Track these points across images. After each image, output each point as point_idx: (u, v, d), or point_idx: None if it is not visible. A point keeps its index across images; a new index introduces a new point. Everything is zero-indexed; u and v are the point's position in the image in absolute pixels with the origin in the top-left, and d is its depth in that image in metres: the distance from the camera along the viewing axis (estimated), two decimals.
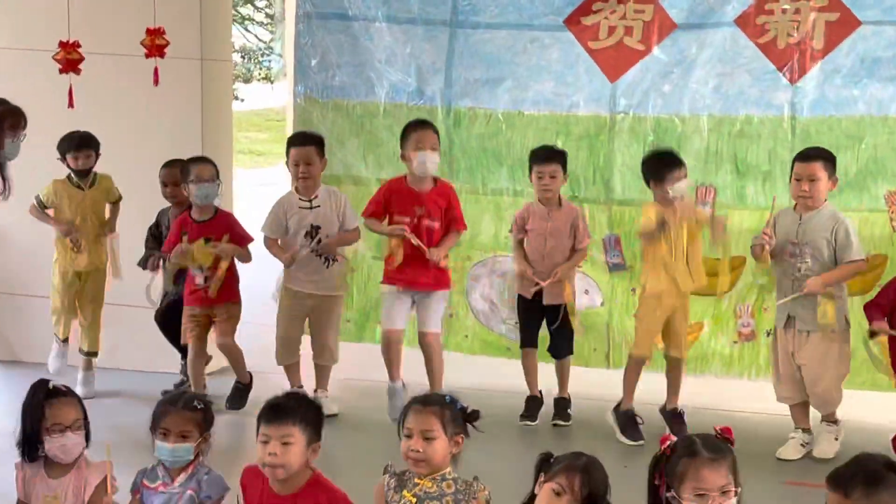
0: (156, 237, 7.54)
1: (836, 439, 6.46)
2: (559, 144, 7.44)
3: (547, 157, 6.98)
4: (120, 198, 7.72)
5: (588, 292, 7.50)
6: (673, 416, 6.73)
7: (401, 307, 6.96)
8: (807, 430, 6.55)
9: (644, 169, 6.81)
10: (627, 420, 6.71)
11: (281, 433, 3.96)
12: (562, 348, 7.09)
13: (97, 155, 7.57)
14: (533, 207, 7.04)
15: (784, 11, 7.05)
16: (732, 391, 7.34)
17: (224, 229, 7.12)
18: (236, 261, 7.19)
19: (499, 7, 7.59)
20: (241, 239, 7.18)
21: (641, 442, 6.62)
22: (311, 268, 7.15)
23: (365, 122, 7.82)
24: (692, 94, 7.25)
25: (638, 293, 7.05)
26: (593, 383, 7.34)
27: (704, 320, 7.28)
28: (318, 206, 7.11)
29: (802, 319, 6.42)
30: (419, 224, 6.86)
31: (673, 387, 6.83)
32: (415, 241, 6.79)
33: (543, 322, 7.07)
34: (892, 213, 6.85)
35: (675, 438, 3.65)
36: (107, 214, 7.73)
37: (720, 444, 3.59)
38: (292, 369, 7.30)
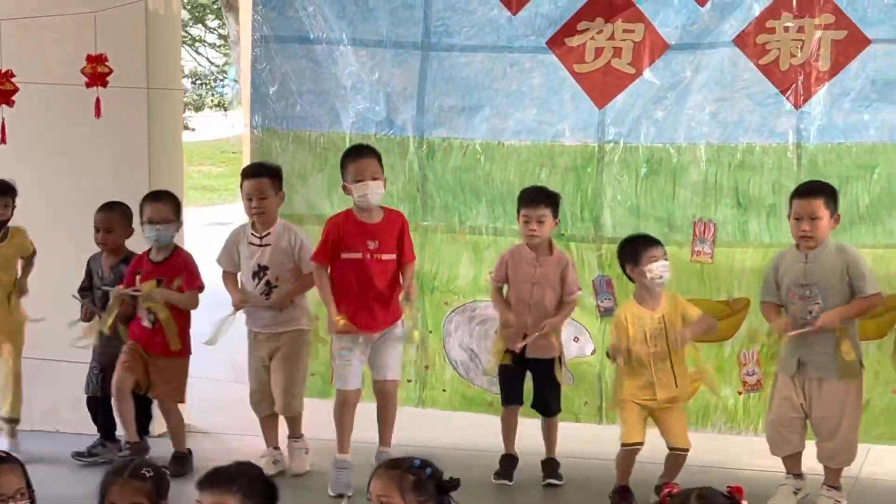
0: (85, 289, 7.53)
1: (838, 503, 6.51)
2: (543, 177, 7.47)
3: (535, 199, 6.98)
4: (34, 253, 7.69)
5: (577, 340, 7.49)
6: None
7: (357, 361, 6.92)
8: (798, 476, 6.61)
9: (619, 256, 6.85)
10: (620, 498, 6.67)
11: (215, 501, 3.96)
12: (550, 405, 7.06)
13: (13, 204, 7.55)
14: (520, 251, 7.05)
15: (787, 30, 7.08)
16: (738, 446, 7.34)
17: (178, 271, 7.17)
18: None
19: (475, 28, 7.61)
20: (190, 282, 7.21)
21: None
22: (261, 313, 7.19)
23: (329, 156, 7.79)
24: (688, 120, 7.27)
25: (599, 355, 7.06)
26: (584, 440, 7.32)
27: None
28: (269, 245, 7.11)
29: (816, 365, 6.43)
30: (373, 259, 6.83)
31: (670, 472, 6.68)
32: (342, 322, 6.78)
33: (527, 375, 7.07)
34: None
35: (676, 490, 3.69)
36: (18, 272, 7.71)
37: (720, 500, 3.61)
38: (269, 424, 7.30)
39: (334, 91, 7.84)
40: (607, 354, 6.80)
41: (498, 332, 7.13)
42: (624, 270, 6.80)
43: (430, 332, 7.76)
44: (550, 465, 7.00)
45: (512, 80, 7.59)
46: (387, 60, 7.76)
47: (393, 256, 6.91)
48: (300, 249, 7.13)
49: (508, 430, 7.08)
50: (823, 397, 6.45)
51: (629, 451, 6.66)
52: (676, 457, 6.69)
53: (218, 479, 4.03)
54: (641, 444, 6.66)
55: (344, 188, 6.95)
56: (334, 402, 6.99)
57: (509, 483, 6.96)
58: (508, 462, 7.04)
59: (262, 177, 7.18)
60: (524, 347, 6.93)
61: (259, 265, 7.14)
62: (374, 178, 6.84)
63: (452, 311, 7.74)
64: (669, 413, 6.64)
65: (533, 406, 7.10)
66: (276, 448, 7.30)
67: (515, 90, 7.59)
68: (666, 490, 3.69)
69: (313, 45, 7.85)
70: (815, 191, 6.51)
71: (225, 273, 7.25)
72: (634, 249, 6.69)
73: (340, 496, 6.67)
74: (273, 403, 7.26)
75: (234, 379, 8.15)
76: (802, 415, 6.52)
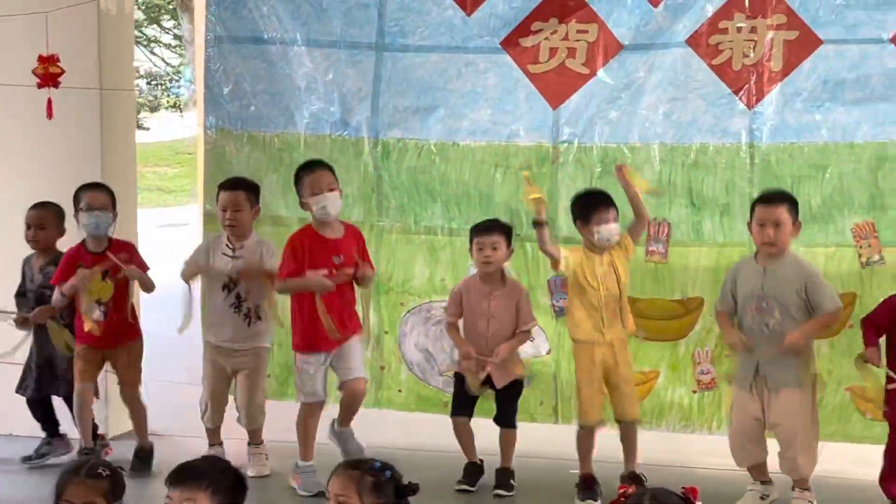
0: (21, 294, 7.48)
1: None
2: (497, 177, 7.48)
3: (488, 226, 6.97)
4: None
5: (533, 339, 7.50)
6: (634, 481, 6.75)
7: (320, 374, 6.90)
8: (766, 482, 6.62)
9: (571, 210, 6.89)
10: (584, 483, 6.73)
11: (185, 497, 3.97)
12: (509, 417, 7.04)
13: None
14: (472, 284, 7.03)
15: (739, 30, 7.12)
16: (693, 445, 7.38)
17: (123, 255, 7.18)
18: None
19: (429, 28, 7.61)
20: (141, 265, 7.24)
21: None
22: (230, 325, 7.18)
23: (284, 156, 7.78)
24: (642, 121, 7.30)
25: (568, 349, 7.09)
26: (541, 440, 7.33)
27: (660, 368, 7.30)
28: (241, 258, 7.11)
29: (773, 377, 6.43)
30: (339, 275, 6.83)
31: (630, 451, 6.83)
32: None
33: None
34: (861, 247, 6.93)
35: (631, 491, 3.70)
36: None
37: (672, 500, 3.62)
38: (213, 432, 7.35)
39: (288, 91, 7.81)
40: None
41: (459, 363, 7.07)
42: (575, 223, 6.84)
43: (386, 332, 7.76)
44: (503, 475, 6.93)
45: (466, 80, 7.59)
46: (341, 61, 7.74)
47: (353, 271, 6.92)
48: (269, 259, 7.11)
49: (465, 440, 7.04)
50: (780, 405, 6.43)
51: (588, 433, 6.71)
52: (628, 429, 6.77)
53: (187, 474, 4.05)
54: (602, 422, 6.73)
55: (302, 204, 6.92)
56: (298, 413, 6.96)
57: (472, 489, 6.92)
58: (472, 469, 7.00)
59: (239, 189, 7.19)
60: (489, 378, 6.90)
61: (231, 278, 7.13)
62: (331, 190, 6.83)
63: (408, 311, 7.73)
64: (617, 374, 6.73)
65: (494, 420, 7.05)
66: (220, 444, 7.36)
67: (470, 90, 7.59)
68: (621, 490, 3.69)
69: (267, 46, 7.82)
70: (779, 198, 6.53)
71: (189, 264, 7.27)
72: (586, 208, 6.75)
73: (320, 494, 6.62)
74: (221, 417, 7.31)
75: (189, 382, 8.10)
76: (761, 424, 6.52)
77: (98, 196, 7.19)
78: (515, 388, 7.01)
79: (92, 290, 7.07)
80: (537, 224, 6.71)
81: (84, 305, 7.04)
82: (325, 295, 6.78)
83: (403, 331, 7.74)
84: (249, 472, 7.21)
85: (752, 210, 6.57)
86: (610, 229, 6.70)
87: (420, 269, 7.67)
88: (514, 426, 7.01)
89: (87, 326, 7.00)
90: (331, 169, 6.96)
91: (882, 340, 6.43)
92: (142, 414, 7.33)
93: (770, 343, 6.39)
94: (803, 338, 6.37)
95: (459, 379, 7.03)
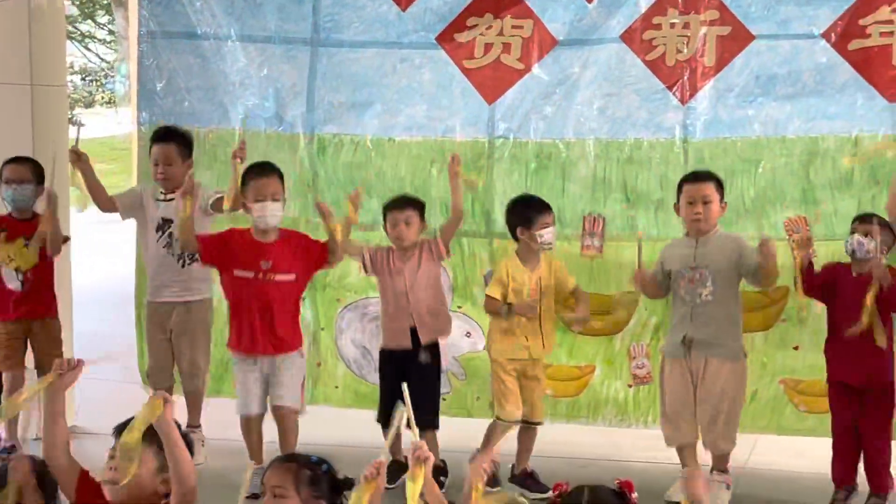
0: None
1: (728, 488, 6.60)
2: (434, 173, 7.46)
3: (401, 202, 6.95)
4: None
5: (469, 335, 7.50)
6: (526, 479, 6.80)
7: (256, 385, 6.76)
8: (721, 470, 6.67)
9: (510, 214, 6.89)
10: (526, 479, 6.76)
11: None
12: (424, 417, 6.94)
13: None
14: (388, 249, 7.02)
15: (673, 26, 7.15)
16: (629, 439, 7.40)
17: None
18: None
19: (364, 23, 7.58)
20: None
21: (549, 494, 6.66)
22: (166, 271, 7.14)
23: (218, 152, 7.71)
24: (577, 116, 7.31)
25: (483, 356, 7.10)
26: (478, 437, 7.31)
27: (595, 363, 7.32)
28: (173, 200, 7.05)
29: (701, 343, 6.53)
30: (266, 280, 6.70)
31: (526, 450, 6.87)
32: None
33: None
34: (793, 241, 6.97)
35: (566, 487, 3.69)
36: None
37: (609, 499, 3.62)
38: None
39: (223, 87, 7.76)
40: (500, 311, 6.78)
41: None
42: (512, 230, 6.83)
43: (323, 329, 7.73)
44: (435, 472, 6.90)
45: (402, 75, 7.58)
46: (276, 56, 7.70)
47: (291, 277, 6.78)
48: (205, 200, 7.08)
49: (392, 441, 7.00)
50: (708, 379, 6.53)
51: (505, 427, 6.77)
52: (530, 430, 6.83)
53: None
54: (518, 419, 6.76)
55: (243, 205, 6.80)
56: (240, 423, 6.86)
57: (391, 486, 6.84)
58: (394, 467, 6.93)
59: (171, 142, 7.17)
60: (412, 353, 6.87)
61: (163, 218, 7.14)
62: (275, 199, 6.71)
63: (345, 307, 7.70)
64: (535, 384, 6.79)
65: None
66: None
67: (406, 86, 7.58)
68: (556, 491, 3.68)
69: (201, 41, 7.77)
70: (706, 176, 6.66)
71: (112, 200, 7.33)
72: (528, 213, 6.77)
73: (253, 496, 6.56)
74: (170, 378, 7.25)
75: (124, 379, 8.04)
76: (693, 400, 6.59)
77: (17, 169, 7.16)
78: (431, 380, 6.94)
79: (12, 257, 6.99)
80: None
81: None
82: (246, 304, 6.68)
83: (340, 327, 7.71)
84: None
85: (680, 189, 6.66)
86: (551, 233, 6.75)
87: (356, 265, 7.61)
88: (429, 428, 6.72)
89: None
90: (280, 176, 6.83)
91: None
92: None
93: (702, 312, 6.51)
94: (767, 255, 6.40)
95: (385, 385, 6.98)
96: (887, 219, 6.43)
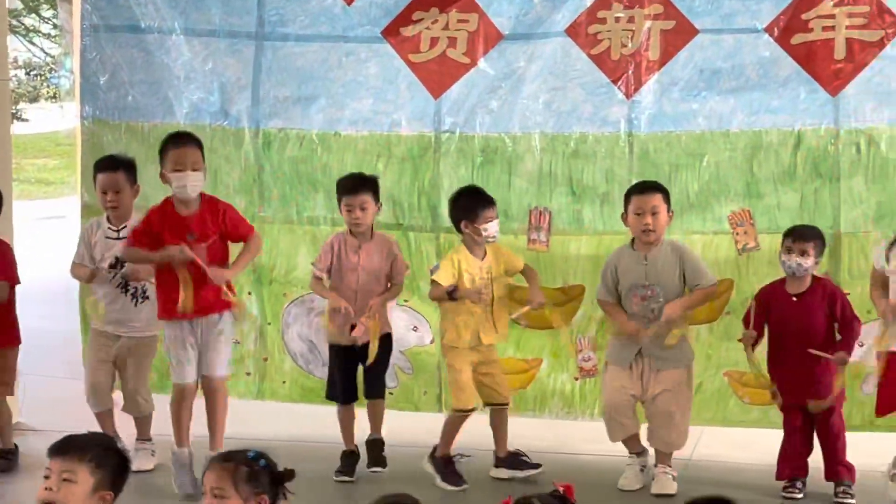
0: None
1: (674, 479, 6.64)
2: (380, 167, 7.43)
3: (355, 186, 6.89)
4: None
5: (417, 329, 7.48)
6: (515, 460, 6.78)
7: (190, 351, 6.65)
8: (641, 454, 6.75)
9: (454, 208, 6.88)
10: (446, 466, 6.75)
11: (65, 468, 3.90)
12: (373, 387, 6.98)
13: None
14: (344, 239, 6.96)
15: (617, 20, 7.16)
16: (575, 431, 7.41)
17: None
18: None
19: (309, 17, 7.53)
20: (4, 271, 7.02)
21: (464, 486, 6.70)
22: (119, 309, 7.02)
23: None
24: (522, 110, 7.30)
25: (437, 345, 7.08)
26: (426, 430, 7.29)
27: (542, 356, 7.32)
28: (125, 238, 6.94)
29: (657, 357, 6.60)
30: (195, 250, 6.53)
31: (502, 433, 6.87)
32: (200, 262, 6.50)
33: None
34: (738, 234, 7.01)
35: (510, 502, 3.68)
36: None
37: None
38: (104, 417, 7.13)
39: (167, 81, 7.68)
40: (445, 295, 6.75)
41: (326, 318, 6.97)
42: (456, 224, 6.83)
43: (269, 323, 7.68)
44: (374, 447, 6.90)
45: (348, 70, 7.53)
46: (220, 50, 7.64)
47: (212, 243, 6.62)
48: None
49: (345, 427, 6.99)
50: (659, 385, 6.59)
51: (461, 417, 6.76)
52: (501, 413, 6.82)
53: (70, 446, 3.98)
54: (475, 409, 6.76)
55: (161, 176, 6.65)
56: (171, 396, 6.76)
57: (351, 479, 6.85)
58: (349, 459, 6.94)
59: (118, 170, 7.06)
60: (356, 340, 6.85)
61: (116, 257, 6.99)
62: (195, 169, 6.55)
63: (291, 302, 7.66)
64: (494, 368, 6.81)
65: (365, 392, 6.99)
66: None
67: (351, 80, 7.54)
68: None
69: (144, 35, 7.69)
70: (654, 186, 6.70)
71: (74, 266, 7.12)
72: (473, 208, 6.76)
73: (189, 498, 6.51)
74: (110, 399, 7.15)
75: (68, 375, 7.96)
76: (634, 399, 6.66)
77: None
78: (383, 359, 6.95)
79: None
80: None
81: None
82: (187, 269, 6.53)
83: (286, 322, 7.67)
84: (133, 467, 7.12)
85: (627, 200, 6.68)
86: (495, 226, 6.75)
87: (303, 259, 7.58)
88: (382, 396, 6.98)
89: None
90: (199, 145, 6.70)
91: None
92: (7, 420, 7.16)
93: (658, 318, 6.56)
94: (681, 309, 6.55)
95: (338, 370, 6.95)
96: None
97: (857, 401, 6.87)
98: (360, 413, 7.02)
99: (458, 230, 6.85)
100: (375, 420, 6.99)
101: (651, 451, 6.78)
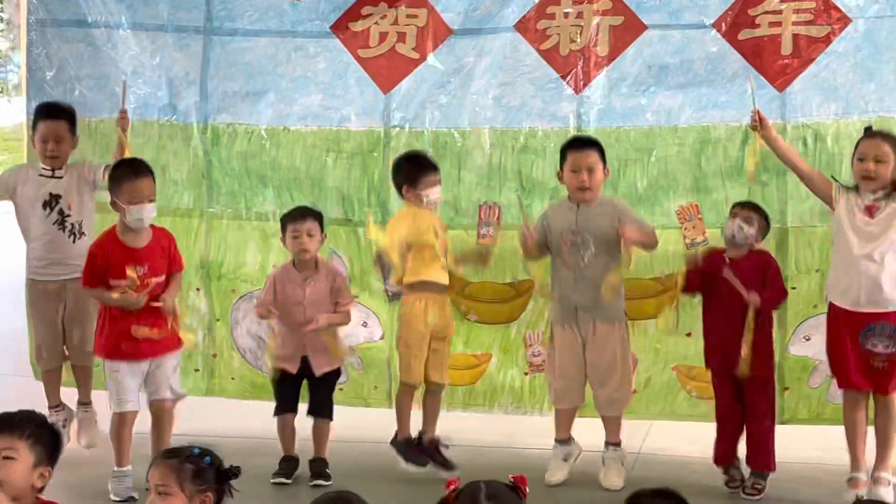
0: None
1: (622, 464, 6.67)
2: (329, 162, 7.40)
3: (302, 213, 6.84)
4: None
5: (366, 325, 7.45)
6: (435, 453, 6.76)
7: (135, 382, 6.52)
8: (565, 442, 6.76)
9: (396, 173, 6.86)
10: (408, 446, 6.73)
11: (5, 446, 3.98)
12: (323, 408, 6.91)
13: None
14: (287, 272, 6.87)
15: (566, 15, 7.16)
16: (525, 427, 7.41)
17: None
18: None
19: (258, 12, 7.49)
20: None
21: (428, 465, 6.71)
22: (57, 248, 6.98)
23: (111, 142, 7.52)
24: (472, 105, 7.29)
25: (397, 311, 7.04)
26: (376, 426, 7.27)
27: (492, 351, 7.31)
28: (61, 178, 6.96)
29: (587, 307, 6.62)
30: (142, 285, 6.42)
31: (432, 415, 6.85)
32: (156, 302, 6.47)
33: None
34: (686, 229, 7.03)
35: (458, 483, 3.67)
36: None
37: (508, 496, 3.60)
38: (52, 375, 7.10)
39: (114, 76, 7.60)
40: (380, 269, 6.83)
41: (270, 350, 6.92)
42: (398, 188, 6.81)
43: (218, 320, 7.63)
44: (318, 465, 6.80)
45: (296, 64, 7.50)
46: (168, 45, 7.59)
47: (163, 279, 6.57)
48: (93, 174, 7.03)
49: (285, 437, 6.90)
50: (597, 342, 6.62)
51: (408, 390, 6.75)
52: (435, 396, 6.82)
53: (6, 423, 4.04)
54: (420, 383, 6.75)
55: (113, 204, 6.50)
56: (111, 420, 6.61)
57: (288, 482, 6.77)
58: (289, 463, 6.86)
59: (60, 119, 7.05)
60: (308, 367, 6.80)
61: (51, 194, 6.97)
62: (150, 201, 6.46)
63: (240, 298, 7.60)
64: (444, 346, 6.80)
65: (309, 410, 6.92)
66: (60, 406, 7.19)
67: (300, 75, 7.50)
68: (451, 487, 3.65)
69: (91, 29, 7.61)
70: (590, 143, 6.72)
71: None
72: (414, 171, 6.75)
73: (129, 499, 6.45)
74: (60, 356, 7.12)
75: (15, 372, 7.89)
76: (583, 363, 6.65)
77: None
78: (332, 377, 6.92)
79: None
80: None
81: None
82: (130, 311, 6.44)
83: (235, 318, 7.62)
84: (81, 441, 7.15)
85: (563, 156, 6.69)
86: (437, 192, 6.74)
87: (252, 255, 7.54)
88: (330, 417, 6.88)
89: None
90: (153, 175, 6.60)
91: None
92: None
93: (585, 276, 6.58)
94: (635, 233, 6.54)
95: (280, 379, 6.89)
96: None
97: (804, 394, 6.92)
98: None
99: (401, 195, 6.81)
100: (319, 441, 6.89)
101: (579, 443, 6.79)
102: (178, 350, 6.70)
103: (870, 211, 6.23)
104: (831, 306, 6.37)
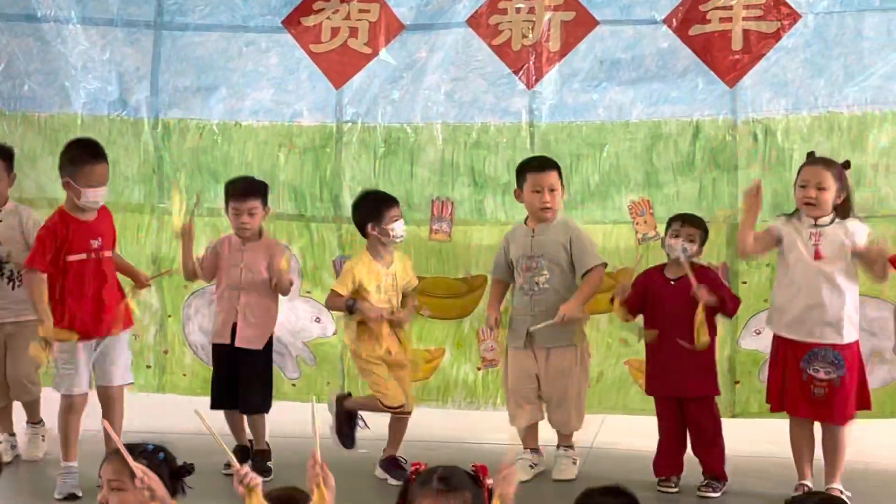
0: None
1: (575, 463, 6.73)
2: (281, 158, 7.37)
3: (244, 192, 6.82)
4: None
5: (319, 320, 7.42)
6: (391, 465, 6.75)
7: (85, 365, 6.54)
8: (535, 451, 6.80)
9: (357, 212, 6.82)
10: (392, 465, 6.74)
11: None
12: (251, 402, 6.89)
13: None
14: (229, 238, 6.88)
15: (518, 11, 7.16)
16: (478, 421, 7.41)
17: None
18: None
19: (209, 6, 7.45)
20: None
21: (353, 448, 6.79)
22: None
23: (60, 137, 7.44)
24: (424, 100, 7.27)
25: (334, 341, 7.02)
26: (328, 421, 7.25)
27: (445, 346, 7.31)
28: (1, 220, 6.86)
29: (543, 336, 6.64)
30: (98, 258, 6.51)
31: (396, 439, 6.83)
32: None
33: None
34: (637, 224, 7.04)
35: (423, 466, 3.68)
36: None
37: (462, 479, 3.61)
38: (2, 413, 7.07)
39: (64, 71, 7.54)
40: (344, 307, 6.71)
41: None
42: (362, 228, 6.77)
43: (170, 316, 7.58)
44: (257, 459, 6.78)
45: (248, 59, 7.46)
46: (118, 39, 7.53)
47: (111, 254, 6.66)
48: (31, 226, 6.86)
49: (234, 428, 6.90)
50: (551, 366, 6.66)
51: (398, 415, 6.73)
52: (401, 420, 6.78)
53: None
54: (408, 404, 6.73)
55: (67, 185, 6.49)
56: (59, 408, 6.58)
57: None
58: (240, 454, 6.83)
59: None
60: (233, 338, 6.78)
61: None
62: (105, 184, 6.54)
63: (192, 294, 7.56)
64: (402, 373, 6.76)
65: (241, 409, 6.90)
66: (12, 434, 7.13)
67: (252, 70, 7.47)
68: (413, 468, 3.67)
69: (41, 24, 7.54)
70: (551, 163, 6.74)
71: None
72: (377, 208, 6.72)
73: (71, 496, 6.39)
74: (6, 393, 7.03)
75: None
76: (537, 384, 6.69)
77: None
78: (263, 371, 6.89)
79: None
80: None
81: None
82: (80, 287, 6.46)
83: (187, 314, 7.57)
84: (23, 455, 7.09)
85: (522, 177, 6.71)
86: (401, 226, 6.72)
87: (203, 251, 7.47)
88: (260, 411, 6.89)
89: None
90: (107, 159, 6.63)
91: None
92: None
93: (540, 301, 6.62)
94: (577, 307, 6.58)
95: (216, 374, 6.89)
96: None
97: (755, 388, 6.93)
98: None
99: (364, 234, 6.78)
100: (257, 435, 6.91)
101: (544, 453, 6.83)
102: (130, 329, 6.74)
103: (814, 238, 6.22)
104: (775, 337, 6.34)
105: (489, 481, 3.68)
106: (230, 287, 6.81)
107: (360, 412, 6.89)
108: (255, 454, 6.84)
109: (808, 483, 6.23)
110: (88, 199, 6.46)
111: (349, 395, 6.96)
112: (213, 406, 6.82)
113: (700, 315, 6.31)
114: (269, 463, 6.80)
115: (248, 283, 6.79)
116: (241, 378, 6.83)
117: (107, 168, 6.57)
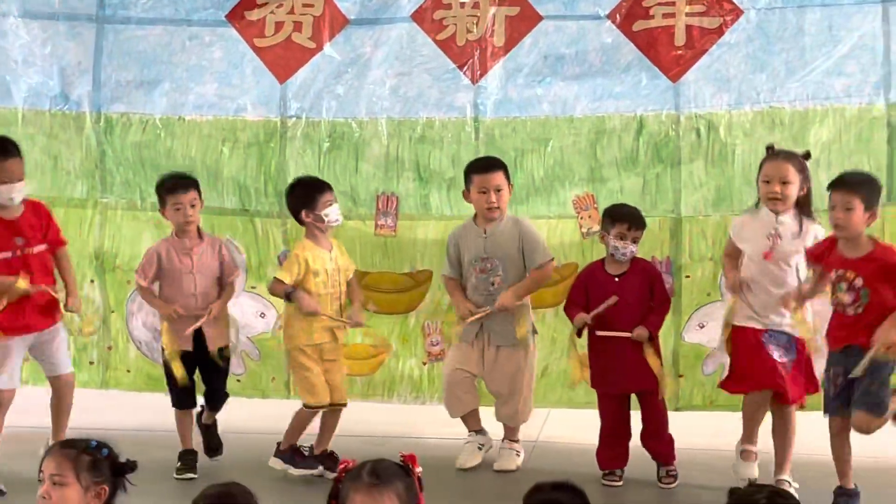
0: None
1: (518, 455, 6.76)
2: (226, 152, 7.32)
3: (185, 185, 6.72)
4: None
5: (264, 315, 7.38)
6: (326, 459, 6.67)
7: (17, 361, 6.51)
8: (480, 432, 6.84)
9: (290, 200, 6.76)
10: (295, 455, 6.66)
11: None
12: (221, 398, 6.89)
13: None
14: (170, 245, 6.75)
15: (463, 6, 7.15)
16: (424, 416, 7.40)
17: None
18: None
19: (151, 0, 7.38)
20: None
21: (320, 469, 6.63)
22: None
23: (2, 132, 7.39)
24: (369, 95, 7.25)
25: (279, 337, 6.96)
26: (273, 416, 7.20)
27: (391, 341, 7.29)
28: None
29: (494, 334, 6.67)
30: (25, 257, 6.43)
31: (329, 431, 6.73)
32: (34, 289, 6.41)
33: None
34: (582, 219, 7.06)
35: (351, 464, 3.67)
36: None
37: (392, 470, 3.60)
38: None
39: (5, 65, 7.46)
40: (283, 294, 6.62)
41: (166, 329, 6.76)
42: (296, 215, 6.70)
43: (113, 311, 7.51)
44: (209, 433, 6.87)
45: (191, 53, 7.41)
46: (60, 33, 7.46)
47: (44, 247, 6.56)
48: None
49: (183, 431, 6.83)
50: (499, 363, 6.69)
51: (313, 413, 6.62)
52: (335, 413, 6.68)
53: None
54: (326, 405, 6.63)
55: None
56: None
57: (194, 476, 6.68)
58: (189, 456, 6.77)
59: None
60: (202, 343, 6.70)
61: None
62: (20, 179, 6.43)
63: (135, 289, 7.47)
64: (335, 366, 6.66)
65: (206, 402, 6.88)
66: None
67: (195, 64, 7.42)
68: (342, 466, 3.65)
69: None
70: (496, 164, 6.73)
71: None
72: (309, 194, 6.64)
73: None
74: None
75: None
76: (472, 375, 6.74)
77: None
78: (222, 372, 6.84)
79: None
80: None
81: None
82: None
83: (131, 309, 7.51)
84: None
85: (469, 178, 6.71)
86: (336, 210, 6.65)
87: (146, 246, 7.33)
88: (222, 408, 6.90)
89: None
90: (21, 155, 6.52)
91: None
92: None
93: (494, 300, 6.62)
94: (514, 297, 6.59)
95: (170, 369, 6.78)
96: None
97: (699, 381, 6.98)
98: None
99: (300, 222, 6.72)
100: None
101: (490, 430, 6.84)
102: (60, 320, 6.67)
103: (771, 239, 6.19)
104: (734, 328, 6.28)
105: (419, 470, 3.67)
106: (185, 295, 6.70)
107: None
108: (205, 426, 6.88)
109: (754, 448, 6.23)
110: (4, 196, 6.37)
111: (279, 445, 6.73)
112: (183, 406, 6.79)
113: (648, 349, 6.38)
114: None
115: (203, 289, 6.70)
116: (211, 377, 6.79)
117: (19, 163, 6.46)
